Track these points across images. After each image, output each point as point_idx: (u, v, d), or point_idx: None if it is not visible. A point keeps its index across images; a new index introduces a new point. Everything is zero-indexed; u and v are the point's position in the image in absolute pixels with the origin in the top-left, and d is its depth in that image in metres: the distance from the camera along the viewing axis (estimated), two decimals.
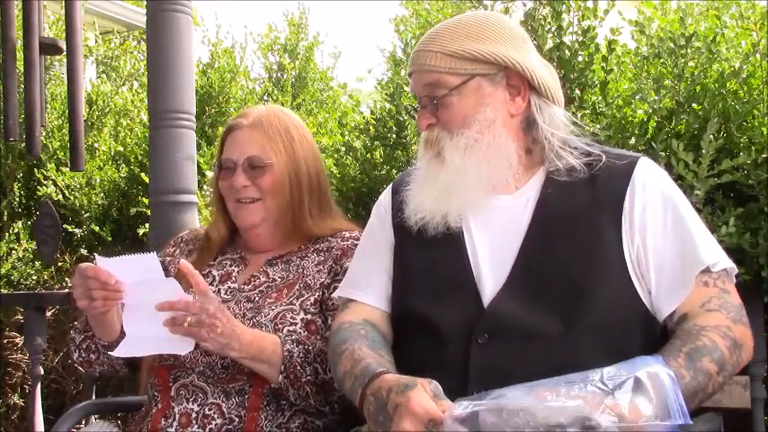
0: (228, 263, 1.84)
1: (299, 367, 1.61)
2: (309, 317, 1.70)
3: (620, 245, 1.39)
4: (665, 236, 1.40)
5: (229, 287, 1.78)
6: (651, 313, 1.40)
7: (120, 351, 1.62)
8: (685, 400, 1.23)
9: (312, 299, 1.72)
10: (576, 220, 1.42)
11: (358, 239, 1.76)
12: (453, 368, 1.38)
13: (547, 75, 1.50)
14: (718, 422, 1.56)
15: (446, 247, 1.47)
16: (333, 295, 1.69)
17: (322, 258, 1.79)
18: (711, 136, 2.01)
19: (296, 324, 1.67)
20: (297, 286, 1.74)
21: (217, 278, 1.81)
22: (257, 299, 1.72)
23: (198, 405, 1.65)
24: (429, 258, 1.49)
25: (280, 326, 1.66)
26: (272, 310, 1.69)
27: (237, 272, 1.81)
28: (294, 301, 1.71)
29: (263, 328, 1.66)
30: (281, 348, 1.62)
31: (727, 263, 1.41)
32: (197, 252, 1.88)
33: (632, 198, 1.42)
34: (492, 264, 1.44)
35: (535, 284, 1.39)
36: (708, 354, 1.29)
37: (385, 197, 1.66)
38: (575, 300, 1.36)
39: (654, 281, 1.39)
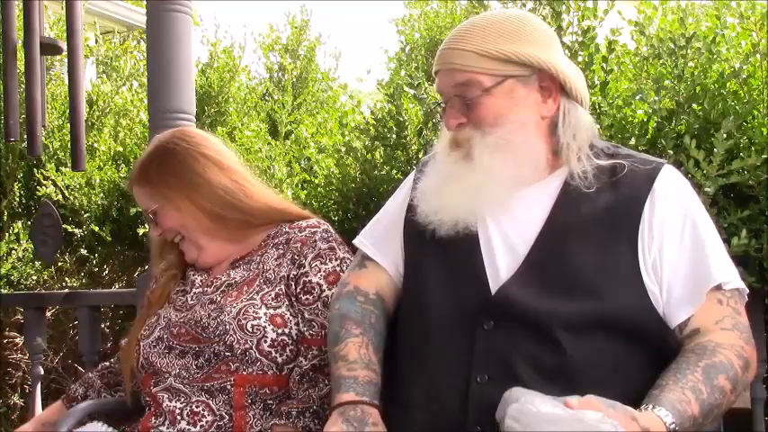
0: (192, 273, 1.87)
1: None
2: (272, 311, 1.70)
3: (635, 252, 1.37)
4: (680, 248, 1.38)
5: (194, 293, 1.81)
6: (665, 322, 1.38)
7: None
8: (702, 417, 1.24)
9: (273, 293, 1.73)
10: (593, 223, 1.39)
11: (316, 227, 1.77)
12: (457, 353, 1.38)
13: (575, 76, 1.47)
14: (718, 422, 1.56)
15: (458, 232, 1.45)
16: (354, 241, 1.68)
17: (281, 252, 1.79)
18: (725, 134, 2.01)
19: (259, 318, 1.68)
20: (257, 282, 1.76)
21: (186, 290, 1.84)
22: (219, 299, 1.75)
23: (181, 403, 1.67)
24: (439, 241, 1.46)
25: (243, 321, 1.67)
26: (234, 307, 1.70)
27: (201, 280, 1.84)
28: (255, 296, 1.72)
29: (228, 326, 1.67)
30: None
31: (740, 283, 1.40)
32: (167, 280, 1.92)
33: (652, 207, 1.39)
34: (504, 251, 1.42)
35: (546, 277, 1.37)
36: (724, 371, 1.29)
37: (410, 177, 1.64)
38: (584, 301, 1.34)
39: (665, 290, 1.38)
